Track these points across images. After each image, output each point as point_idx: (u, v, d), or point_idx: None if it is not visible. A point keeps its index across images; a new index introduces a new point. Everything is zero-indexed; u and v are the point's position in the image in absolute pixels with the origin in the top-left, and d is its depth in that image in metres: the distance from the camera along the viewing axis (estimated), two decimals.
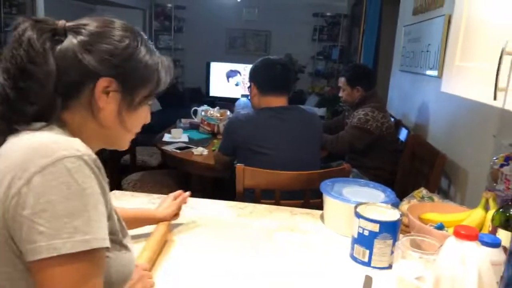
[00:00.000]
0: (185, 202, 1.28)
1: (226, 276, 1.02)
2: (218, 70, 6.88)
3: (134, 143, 2.91)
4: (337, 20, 6.65)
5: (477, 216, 1.12)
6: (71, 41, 0.69)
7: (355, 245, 1.10)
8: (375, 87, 2.64)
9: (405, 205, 1.30)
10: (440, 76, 2.25)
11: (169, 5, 6.81)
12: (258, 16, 6.90)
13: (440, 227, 1.12)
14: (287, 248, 1.17)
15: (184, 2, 6.85)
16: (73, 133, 0.70)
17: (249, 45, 7.14)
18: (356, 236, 1.10)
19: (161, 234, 1.13)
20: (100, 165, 0.66)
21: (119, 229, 0.74)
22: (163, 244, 1.13)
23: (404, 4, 3.25)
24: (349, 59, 5.79)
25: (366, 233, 1.07)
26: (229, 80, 6.80)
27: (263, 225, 1.31)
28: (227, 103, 3.97)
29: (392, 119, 2.63)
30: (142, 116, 0.80)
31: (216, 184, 2.41)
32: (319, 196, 1.54)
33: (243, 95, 3.00)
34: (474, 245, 0.80)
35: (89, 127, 0.73)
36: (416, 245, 0.98)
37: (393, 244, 1.05)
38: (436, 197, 1.36)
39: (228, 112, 2.87)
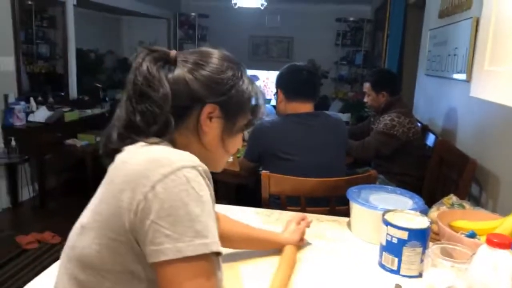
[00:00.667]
0: (308, 227, 1.24)
1: (252, 284, 1.03)
2: None
3: None
4: (360, 25, 6.61)
5: (510, 223, 1.09)
6: (182, 69, 0.77)
7: (384, 253, 1.09)
8: (400, 92, 2.60)
9: (434, 212, 1.28)
10: (468, 79, 2.20)
11: (193, 14, 6.94)
12: (280, 22, 6.93)
13: (472, 235, 1.10)
14: (314, 256, 1.17)
15: (207, 11, 6.96)
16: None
17: (271, 52, 7.18)
18: (384, 243, 1.09)
19: (292, 257, 1.11)
20: (210, 176, 0.72)
21: None
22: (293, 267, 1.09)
23: (429, 8, 3.21)
24: (373, 63, 5.73)
25: (394, 240, 1.06)
26: None
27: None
28: None
29: (419, 124, 2.59)
30: (238, 141, 0.87)
31: (240, 191, 2.42)
32: (345, 203, 1.53)
33: (267, 102, 3.01)
34: (507, 254, 0.78)
35: (193, 148, 0.78)
36: (446, 254, 0.96)
37: (423, 252, 1.04)
38: (466, 204, 1.33)
39: None
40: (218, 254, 0.67)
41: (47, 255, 2.68)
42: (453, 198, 1.34)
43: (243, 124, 0.84)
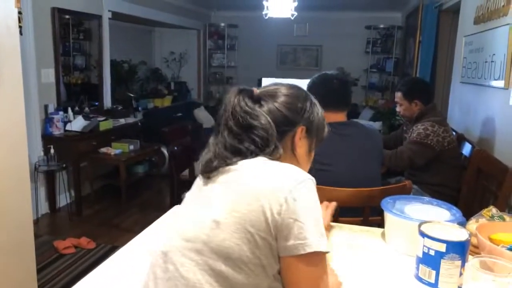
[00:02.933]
0: (333, 213, 1.36)
1: None
2: None
3: (192, 158, 3.03)
4: (391, 32, 6.53)
5: None
6: (268, 102, 0.94)
7: (420, 265, 1.07)
8: (433, 100, 2.55)
9: (472, 224, 1.24)
10: (507, 86, 2.14)
11: (222, 24, 7.05)
12: (309, 31, 6.94)
13: None
14: (348, 267, 1.16)
15: (236, 21, 7.06)
16: None
17: (300, 60, 7.19)
18: (421, 255, 1.07)
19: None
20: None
21: None
22: None
23: (464, 14, 3.14)
24: (404, 71, 5.63)
25: (432, 252, 1.04)
26: None
27: None
28: None
29: (454, 133, 2.52)
30: (313, 156, 1.04)
31: None
32: (379, 213, 1.51)
33: None
34: None
35: (288, 162, 0.93)
36: (487, 267, 0.94)
37: (462, 265, 1.01)
38: (507, 216, 1.28)
39: None
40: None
41: (83, 260, 2.76)
42: (492, 210, 1.30)
43: (320, 140, 1.03)
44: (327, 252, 0.83)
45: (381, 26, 6.55)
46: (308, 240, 0.79)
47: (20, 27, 2.14)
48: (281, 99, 0.94)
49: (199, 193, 0.93)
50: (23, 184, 2.03)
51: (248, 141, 0.90)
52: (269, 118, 0.90)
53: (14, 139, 1.97)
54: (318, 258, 0.82)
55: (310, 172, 1.48)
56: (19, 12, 2.07)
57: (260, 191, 0.82)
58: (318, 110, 1.01)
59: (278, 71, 7.11)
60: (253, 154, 0.89)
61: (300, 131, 0.95)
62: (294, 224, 0.79)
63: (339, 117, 1.75)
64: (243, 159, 0.89)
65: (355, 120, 1.82)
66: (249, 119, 0.90)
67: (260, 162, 0.88)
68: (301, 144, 0.97)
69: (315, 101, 1.01)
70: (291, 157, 0.96)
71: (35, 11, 3.37)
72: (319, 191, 1.55)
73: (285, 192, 0.80)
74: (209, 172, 0.91)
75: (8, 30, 1.88)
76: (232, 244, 0.80)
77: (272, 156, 0.90)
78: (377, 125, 4.24)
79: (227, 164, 0.89)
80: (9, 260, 1.92)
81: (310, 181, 0.85)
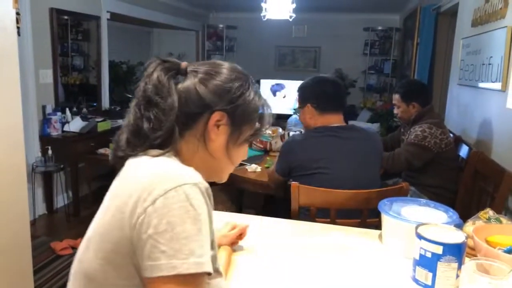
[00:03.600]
0: (240, 239, 1.25)
1: None
2: (267, 87, 6.97)
3: None
4: (389, 34, 6.54)
5: None
6: (192, 79, 0.79)
7: (417, 267, 1.07)
8: (431, 102, 2.55)
9: (469, 226, 1.25)
10: (504, 89, 2.14)
11: (221, 25, 7.06)
12: (307, 32, 6.95)
13: (510, 250, 1.06)
14: (345, 269, 1.16)
15: (235, 22, 7.06)
16: (184, 162, 0.77)
17: (298, 62, 7.20)
18: (417, 258, 1.07)
19: (227, 258, 1.13)
20: (211, 193, 0.72)
21: (216, 256, 0.80)
22: (229, 268, 1.12)
23: (462, 16, 3.15)
24: (402, 73, 5.65)
25: (428, 255, 1.04)
26: (276, 94, 6.86)
27: (319, 244, 1.31)
28: (278, 120, 4.02)
29: (451, 135, 2.52)
30: (243, 152, 0.88)
31: (268, 201, 2.43)
32: (376, 215, 1.51)
33: (295, 111, 3.02)
34: None
35: (199, 157, 0.81)
36: (483, 270, 0.94)
37: (459, 268, 1.01)
38: (504, 219, 1.29)
39: (280, 129, 2.90)
40: (209, 274, 0.67)
41: None
42: (489, 212, 1.31)
43: (249, 135, 0.85)
44: (200, 273, 0.65)
45: (379, 28, 6.57)
46: (158, 262, 0.63)
47: (18, 27, 2.13)
48: (209, 78, 0.80)
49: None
50: (20, 185, 2.02)
51: (146, 121, 0.76)
52: (175, 99, 0.76)
53: (12, 139, 1.96)
54: (178, 282, 0.64)
55: (296, 178, 1.40)
56: (17, 13, 2.06)
57: (125, 200, 0.68)
58: (253, 97, 0.83)
59: (276, 73, 7.11)
60: (146, 141, 0.76)
61: (216, 117, 0.79)
62: (147, 241, 0.64)
63: (336, 119, 1.75)
64: (141, 146, 0.76)
65: (354, 122, 1.82)
66: (153, 94, 0.77)
67: (142, 161, 0.75)
68: (218, 134, 0.80)
69: (250, 86, 0.84)
70: (203, 149, 0.80)
71: (33, 12, 3.36)
72: (315, 192, 1.57)
73: (148, 201, 0.66)
74: (115, 160, 0.80)
75: (6, 31, 1.87)
76: (96, 266, 0.69)
77: (165, 145, 0.76)
78: (374, 126, 4.25)
79: (128, 154, 0.77)
80: (6, 261, 1.91)
81: (190, 186, 0.67)
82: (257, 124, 0.86)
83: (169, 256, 0.63)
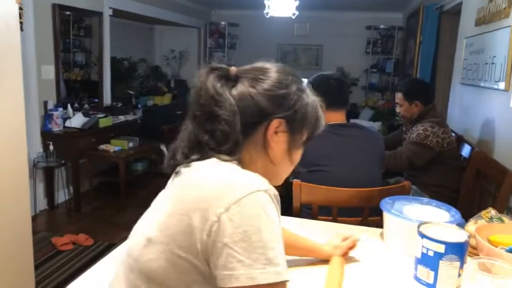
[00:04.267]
0: (352, 249, 1.20)
1: None
2: None
3: None
4: (391, 33, 6.53)
5: None
6: (245, 85, 0.76)
7: (419, 266, 1.07)
8: (433, 101, 2.55)
9: (471, 225, 1.25)
10: (507, 88, 2.14)
11: (223, 23, 7.04)
12: (309, 31, 6.93)
13: None
14: (346, 267, 1.16)
15: (237, 20, 7.05)
16: (247, 169, 0.74)
17: (300, 60, 7.19)
18: (419, 256, 1.07)
19: (340, 269, 1.12)
20: (279, 199, 0.71)
21: None
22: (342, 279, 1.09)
23: (465, 16, 3.13)
24: (404, 71, 5.63)
25: (430, 253, 1.04)
26: None
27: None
28: None
29: (454, 134, 2.52)
30: (301, 152, 0.86)
31: None
32: (378, 213, 1.51)
33: None
34: None
35: (260, 164, 0.78)
36: (485, 269, 0.94)
37: (461, 267, 1.01)
38: (506, 218, 1.28)
39: None
40: (287, 282, 0.66)
41: (81, 257, 2.76)
42: (491, 211, 1.30)
43: (307, 137, 0.84)
44: (278, 282, 0.63)
45: (382, 26, 6.56)
46: (236, 272, 0.62)
47: (21, 23, 2.13)
48: (262, 83, 0.76)
49: (159, 195, 0.79)
50: (22, 180, 2.02)
51: (208, 134, 0.74)
52: (235, 106, 0.73)
53: (14, 135, 1.96)
54: None
55: (297, 175, 1.41)
56: (20, 8, 2.06)
57: (193, 205, 0.66)
58: (308, 99, 0.82)
59: None
60: (210, 151, 0.74)
61: (275, 124, 0.76)
62: (223, 250, 0.63)
63: (338, 117, 1.75)
64: (202, 156, 0.74)
65: (356, 121, 1.81)
66: (213, 106, 0.73)
67: (210, 165, 0.72)
68: (277, 141, 0.78)
69: (305, 88, 0.82)
70: (264, 156, 0.78)
71: (35, 7, 3.36)
72: (317, 190, 1.57)
73: (221, 209, 0.64)
74: (172, 168, 0.77)
75: (9, 26, 1.87)
76: (158, 267, 0.68)
77: (231, 155, 0.73)
78: (376, 125, 4.24)
79: (188, 161, 0.75)
80: (7, 256, 1.91)
81: (262, 194, 0.66)
82: (313, 125, 0.84)
83: (247, 266, 0.62)
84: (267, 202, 0.66)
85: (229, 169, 0.72)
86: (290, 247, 1.12)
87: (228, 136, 0.73)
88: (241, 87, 0.76)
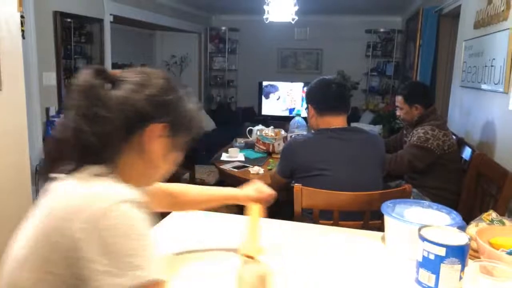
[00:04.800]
0: (268, 199, 1.25)
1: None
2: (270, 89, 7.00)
3: (193, 161, 3.04)
4: (391, 36, 6.55)
5: None
6: (125, 88, 0.76)
7: (420, 269, 1.07)
8: (433, 104, 2.56)
9: (472, 228, 1.25)
10: (506, 90, 2.14)
11: (223, 28, 7.07)
12: (309, 35, 6.96)
13: None
14: (347, 271, 1.16)
15: (237, 25, 7.08)
16: (123, 174, 0.76)
17: (300, 64, 7.21)
18: (420, 259, 1.07)
19: (257, 217, 1.13)
20: (148, 206, 0.72)
21: None
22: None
23: (464, 18, 3.15)
24: (405, 74, 5.65)
25: (431, 257, 1.04)
26: (269, 96, 6.88)
27: (321, 246, 1.31)
28: (281, 122, 4.03)
29: (454, 137, 2.52)
30: (179, 157, 0.88)
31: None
32: (378, 217, 1.51)
33: (297, 114, 3.03)
34: None
35: (137, 168, 0.80)
36: (486, 272, 0.94)
37: (462, 270, 1.01)
38: (507, 221, 1.28)
39: (283, 131, 2.91)
40: (162, 282, 0.67)
41: None
42: (492, 214, 1.30)
43: (186, 141, 0.86)
44: (151, 280, 0.65)
45: (381, 30, 6.58)
46: (104, 282, 0.63)
47: (22, 30, 2.15)
48: (145, 88, 0.77)
49: (31, 214, 0.76)
50: (25, 187, 2.04)
51: (90, 137, 0.72)
52: (116, 110, 0.73)
53: (16, 141, 1.97)
54: None
55: (298, 180, 1.44)
56: (22, 16, 2.08)
57: (62, 221, 0.66)
58: (188, 105, 0.84)
59: (278, 75, 7.12)
60: (87, 158, 0.74)
61: (156, 129, 0.78)
62: (89, 263, 0.64)
63: (339, 121, 1.75)
64: (77, 167, 0.74)
65: (356, 124, 1.82)
66: (91, 108, 0.72)
67: (72, 181, 0.72)
68: (158, 145, 0.79)
69: (184, 94, 0.85)
70: (144, 160, 0.79)
71: (37, 15, 3.38)
72: (318, 194, 1.57)
73: (85, 222, 0.64)
74: (44, 175, 0.76)
75: (11, 34, 1.89)
76: (28, 284, 0.67)
77: (109, 161, 0.74)
78: (377, 128, 4.25)
79: (63, 172, 0.74)
80: None
81: (129, 204, 0.67)
82: (193, 130, 0.87)
83: (114, 276, 0.63)
84: (133, 212, 0.67)
85: (96, 182, 0.71)
86: (201, 203, 1.20)
87: (108, 139, 0.73)
88: (123, 91, 0.76)
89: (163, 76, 0.82)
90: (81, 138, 0.73)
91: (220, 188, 1.24)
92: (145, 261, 0.66)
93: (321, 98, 1.78)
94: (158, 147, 0.80)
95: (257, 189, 1.25)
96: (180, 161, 0.90)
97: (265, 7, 3.16)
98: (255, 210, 1.16)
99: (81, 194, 0.69)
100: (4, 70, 1.84)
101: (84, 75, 0.75)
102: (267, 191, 1.25)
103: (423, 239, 1.06)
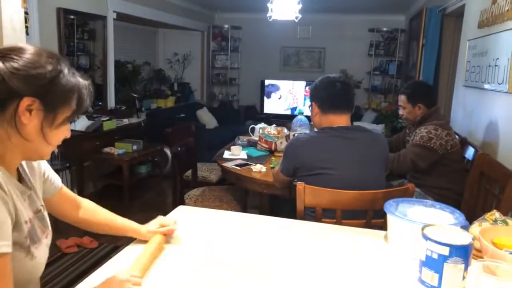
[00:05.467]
0: (169, 233, 1.26)
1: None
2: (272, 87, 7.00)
3: (195, 159, 3.04)
4: (394, 35, 6.53)
5: None
6: (3, 63, 0.79)
7: (423, 268, 1.07)
8: (437, 104, 2.55)
9: (475, 228, 1.25)
10: (510, 90, 2.14)
11: (226, 26, 7.07)
12: (312, 33, 6.95)
13: None
14: (350, 270, 1.16)
15: (240, 23, 7.07)
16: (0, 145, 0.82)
17: (303, 62, 7.20)
18: (424, 259, 1.07)
19: (156, 244, 1.17)
20: (3, 180, 0.78)
21: (30, 236, 0.88)
22: (158, 255, 1.17)
23: (468, 18, 3.14)
24: (407, 74, 5.63)
25: (435, 256, 1.04)
26: (270, 95, 6.89)
27: (324, 245, 1.32)
28: (283, 120, 4.03)
29: (457, 137, 2.52)
30: (64, 132, 0.90)
31: (272, 200, 2.43)
32: (381, 216, 1.51)
33: (300, 113, 3.02)
34: None
35: (12, 141, 0.83)
36: (489, 271, 0.94)
37: (465, 269, 1.01)
38: (510, 221, 1.28)
39: (285, 130, 2.90)
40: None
41: (86, 259, 2.77)
42: (496, 214, 1.30)
43: (66, 116, 0.87)
44: None
45: (384, 29, 6.56)
46: None
47: (26, 27, 2.15)
48: (13, 62, 0.79)
49: None
50: None
51: None
52: None
53: None
54: None
55: (300, 178, 1.47)
56: (26, 13, 2.08)
57: None
58: (64, 79, 0.85)
59: (281, 73, 7.12)
60: None
61: (26, 103, 0.80)
62: None
63: (343, 120, 1.75)
64: None
65: (359, 123, 1.82)
66: None
67: None
68: (30, 119, 0.81)
69: (63, 69, 0.85)
70: (15, 135, 0.82)
71: (40, 11, 3.39)
72: (321, 193, 1.57)
73: None
74: None
75: (15, 30, 1.89)
76: None
77: None
78: (379, 127, 4.24)
79: None
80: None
81: None
82: (74, 105, 0.87)
83: None
84: None
85: None
86: (105, 226, 1.22)
87: None
88: None
89: (35, 52, 0.83)
90: None
91: (125, 220, 1.26)
92: None
93: (325, 96, 1.77)
94: (32, 121, 0.82)
95: (160, 223, 1.26)
96: (68, 136, 0.91)
97: (268, 5, 3.15)
98: (156, 238, 1.20)
99: None
100: None
101: None
102: (169, 225, 1.26)
103: (427, 238, 1.06)
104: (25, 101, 0.79)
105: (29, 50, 0.83)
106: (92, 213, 1.24)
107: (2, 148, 0.82)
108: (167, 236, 1.26)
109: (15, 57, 0.80)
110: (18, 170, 0.93)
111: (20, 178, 0.93)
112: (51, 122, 0.84)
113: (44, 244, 0.96)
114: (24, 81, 0.79)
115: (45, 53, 0.85)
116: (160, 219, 1.29)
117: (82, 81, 0.89)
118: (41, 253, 0.93)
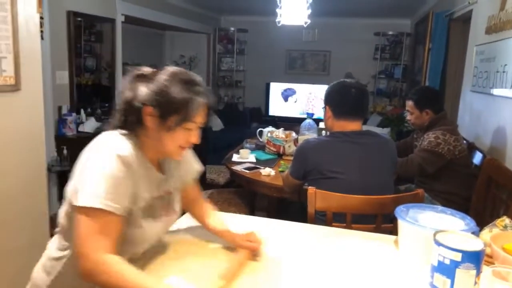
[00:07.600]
0: (254, 249, 1.25)
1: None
2: (277, 90, 7.01)
3: (204, 162, 3.06)
4: (400, 39, 6.54)
5: None
6: (145, 83, 1.07)
7: (435, 274, 1.09)
8: (444, 109, 2.56)
9: (486, 234, 1.26)
10: None
11: (232, 29, 7.10)
12: (317, 37, 6.96)
13: None
14: (360, 274, 1.18)
15: (246, 26, 7.11)
16: (141, 143, 1.09)
17: (308, 65, 7.22)
18: (436, 264, 1.09)
19: (243, 258, 1.19)
20: (131, 165, 1.02)
21: (144, 210, 1.09)
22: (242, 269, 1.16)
23: (476, 23, 3.15)
24: (413, 78, 5.64)
25: (447, 261, 1.05)
26: (288, 99, 6.91)
27: (334, 249, 1.33)
28: (288, 123, 4.04)
29: (465, 142, 2.53)
30: (180, 137, 1.08)
31: (280, 204, 2.45)
32: (389, 221, 1.53)
33: (308, 114, 3.04)
34: None
35: (147, 140, 1.09)
36: (501, 277, 0.95)
37: (477, 275, 1.03)
38: None
39: (294, 134, 2.92)
40: (112, 213, 0.97)
41: None
42: (506, 220, 1.32)
43: (178, 121, 1.05)
44: (94, 208, 0.95)
45: (390, 32, 6.57)
46: (75, 194, 0.99)
47: (41, 31, 2.18)
48: (141, 81, 1.07)
49: None
50: (41, 184, 2.07)
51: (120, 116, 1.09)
52: (126, 94, 1.06)
53: (33, 140, 2.01)
54: (81, 212, 0.97)
55: (311, 182, 1.51)
56: (41, 17, 2.11)
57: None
58: (175, 92, 1.04)
59: (286, 76, 7.14)
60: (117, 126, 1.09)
61: (147, 110, 1.04)
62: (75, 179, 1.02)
63: (355, 125, 1.76)
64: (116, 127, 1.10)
65: (364, 127, 1.83)
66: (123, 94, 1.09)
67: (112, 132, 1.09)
68: (150, 122, 1.06)
69: (179, 84, 1.05)
70: (146, 136, 1.08)
71: (51, 15, 3.42)
72: (331, 197, 1.59)
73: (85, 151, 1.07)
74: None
75: (30, 34, 1.93)
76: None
77: (127, 126, 1.07)
78: (385, 131, 4.25)
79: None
80: (25, 257, 1.95)
81: (109, 153, 1.01)
82: (184, 113, 1.05)
83: (77, 191, 0.98)
84: (110, 158, 1.00)
85: (109, 137, 1.07)
86: (216, 231, 1.33)
87: (126, 113, 1.08)
88: (142, 86, 1.07)
89: (167, 72, 1.07)
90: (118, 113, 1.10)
91: (226, 231, 1.31)
92: (102, 190, 0.96)
93: (340, 101, 1.78)
94: (152, 124, 1.05)
95: (246, 246, 1.25)
96: (192, 141, 1.10)
97: (277, 10, 3.17)
98: (243, 253, 1.21)
99: (101, 136, 1.07)
100: (23, 70, 1.88)
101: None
102: (246, 245, 1.25)
103: (439, 244, 1.07)
104: (145, 109, 1.04)
105: (164, 72, 1.09)
106: (202, 214, 1.40)
107: (145, 145, 1.09)
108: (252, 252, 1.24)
109: (152, 78, 1.08)
110: (158, 160, 1.16)
111: (160, 166, 1.17)
112: (164, 126, 1.05)
113: (160, 221, 1.16)
114: (147, 94, 1.05)
115: (166, 72, 1.09)
116: (255, 233, 1.28)
117: (195, 91, 1.07)
118: (152, 226, 1.12)
